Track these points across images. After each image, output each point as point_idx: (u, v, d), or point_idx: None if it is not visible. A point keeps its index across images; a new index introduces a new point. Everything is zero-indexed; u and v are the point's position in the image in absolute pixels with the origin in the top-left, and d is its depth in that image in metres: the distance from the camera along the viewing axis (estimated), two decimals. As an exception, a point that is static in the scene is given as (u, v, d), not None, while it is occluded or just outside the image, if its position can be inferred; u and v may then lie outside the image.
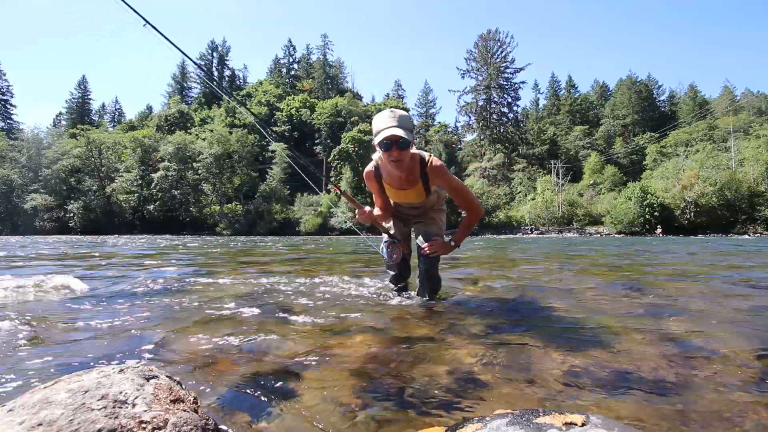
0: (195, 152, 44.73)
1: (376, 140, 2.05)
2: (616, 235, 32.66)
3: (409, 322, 2.03)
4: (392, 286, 2.71)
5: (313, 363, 1.40)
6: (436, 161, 2.22)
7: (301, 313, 2.19)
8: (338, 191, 2.37)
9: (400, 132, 1.98)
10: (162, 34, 2.18)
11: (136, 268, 4.78)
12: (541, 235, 34.36)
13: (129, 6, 2.07)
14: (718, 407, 1.05)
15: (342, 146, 47.22)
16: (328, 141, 54.42)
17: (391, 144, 2.02)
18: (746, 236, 28.49)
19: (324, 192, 33.12)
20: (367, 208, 2.30)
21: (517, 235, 35.01)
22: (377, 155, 2.27)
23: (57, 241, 18.57)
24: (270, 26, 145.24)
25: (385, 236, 2.54)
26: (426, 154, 2.24)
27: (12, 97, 60.60)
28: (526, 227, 41.43)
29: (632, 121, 57.17)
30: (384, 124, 2.03)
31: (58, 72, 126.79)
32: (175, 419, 0.76)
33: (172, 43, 2.24)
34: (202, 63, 74.41)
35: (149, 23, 2.15)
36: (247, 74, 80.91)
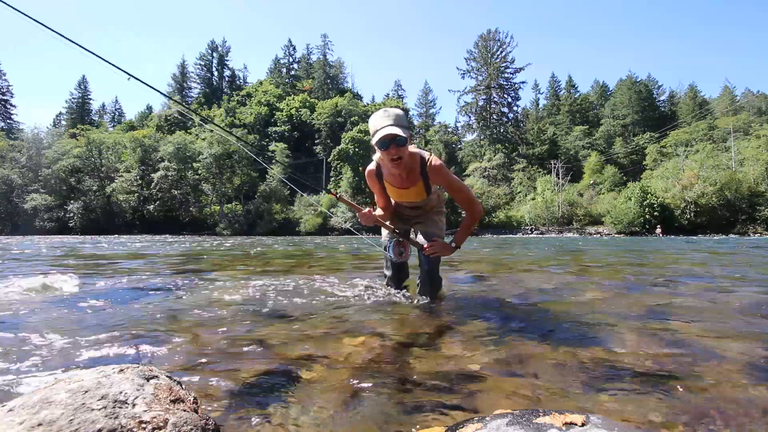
0: (195, 152, 44.70)
1: (374, 140, 2.09)
2: (616, 235, 32.65)
3: (409, 322, 2.03)
4: (390, 288, 2.71)
5: (313, 364, 1.40)
6: (436, 160, 2.24)
7: (300, 314, 2.19)
8: (335, 197, 2.38)
9: (396, 130, 2.02)
10: (148, 85, 2.21)
11: (133, 269, 4.78)
12: (541, 236, 34.35)
13: (113, 65, 2.05)
14: (719, 406, 1.05)
15: (342, 146, 47.12)
16: (328, 141, 54.32)
17: (388, 143, 2.06)
18: (747, 236, 28.48)
19: (324, 192, 33.00)
20: (367, 209, 2.30)
21: (517, 236, 34.98)
22: (377, 155, 2.29)
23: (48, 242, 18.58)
24: (270, 26, 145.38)
25: (385, 234, 2.53)
26: (426, 154, 2.26)
27: (12, 97, 60.65)
28: (526, 227, 41.39)
29: (632, 121, 57.10)
30: (379, 124, 2.07)
31: (58, 72, 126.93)
32: (175, 419, 0.76)
33: (159, 92, 2.35)
34: (202, 63, 74.46)
35: (133, 77, 2.14)
36: (247, 74, 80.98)
